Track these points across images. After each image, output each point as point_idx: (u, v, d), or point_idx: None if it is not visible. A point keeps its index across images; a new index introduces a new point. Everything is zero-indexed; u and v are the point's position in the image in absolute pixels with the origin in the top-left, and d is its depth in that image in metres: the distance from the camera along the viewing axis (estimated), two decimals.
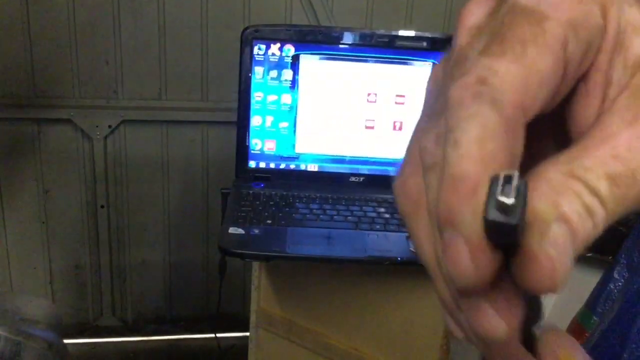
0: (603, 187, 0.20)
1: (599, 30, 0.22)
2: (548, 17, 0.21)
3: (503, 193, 0.18)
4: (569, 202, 0.20)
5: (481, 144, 0.19)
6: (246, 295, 1.49)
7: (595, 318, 1.30)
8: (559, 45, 0.21)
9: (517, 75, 0.20)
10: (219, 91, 1.96)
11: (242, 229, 1.30)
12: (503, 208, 0.18)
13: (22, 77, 1.86)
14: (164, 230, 2.09)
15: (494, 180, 0.19)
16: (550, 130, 0.25)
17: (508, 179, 0.19)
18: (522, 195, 0.18)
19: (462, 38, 0.23)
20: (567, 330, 1.34)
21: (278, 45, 1.45)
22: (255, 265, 1.42)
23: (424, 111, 0.25)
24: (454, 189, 0.19)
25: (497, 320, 0.20)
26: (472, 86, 0.20)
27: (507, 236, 0.19)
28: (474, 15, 0.24)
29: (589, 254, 1.47)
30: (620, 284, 1.28)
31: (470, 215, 0.19)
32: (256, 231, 1.30)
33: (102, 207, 2.01)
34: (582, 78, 0.23)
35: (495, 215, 0.18)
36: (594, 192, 0.20)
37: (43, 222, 2.02)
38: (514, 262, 0.20)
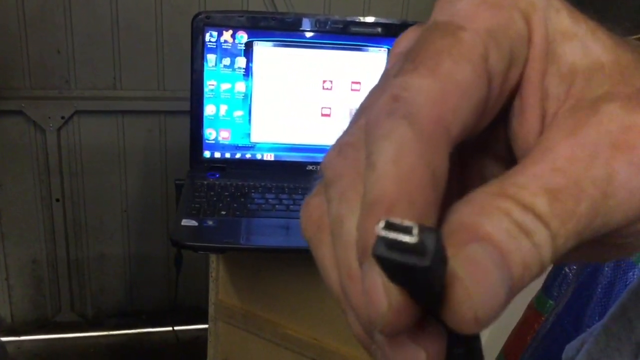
0: (540, 203, 0.17)
1: (522, 38, 0.20)
2: (463, 27, 0.19)
3: (400, 230, 0.16)
4: (492, 221, 0.17)
5: (397, 162, 0.17)
6: (206, 288, 1.46)
7: (551, 302, 1.31)
8: (477, 54, 0.19)
9: (432, 88, 0.18)
10: (175, 80, 1.92)
11: (196, 220, 1.27)
12: (401, 246, 0.16)
13: None
14: (123, 222, 2.05)
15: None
16: (502, 160, 0.23)
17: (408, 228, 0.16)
18: (430, 234, 0.16)
19: (389, 65, 0.22)
20: (523, 315, 1.35)
21: (230, 32, 1.42)
22: (213, 257, 1.40)
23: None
24: (370, 214, 0.17)
25: (417, 354, 0.18)
26: (385, 106, 0.18)
27: (410, 279, 0.16)
28: (403, 43, 0.22)
29: None
30: (574, 267, 1.28)
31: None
32: (210, 222, 1.28)
33: (57, 200, 1.97)
34: (516, 93, 0.21)
35: (386, 252, 0.16)
36: (528, 209, 0.17)
37: None
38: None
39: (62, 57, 1.86)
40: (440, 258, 0.16)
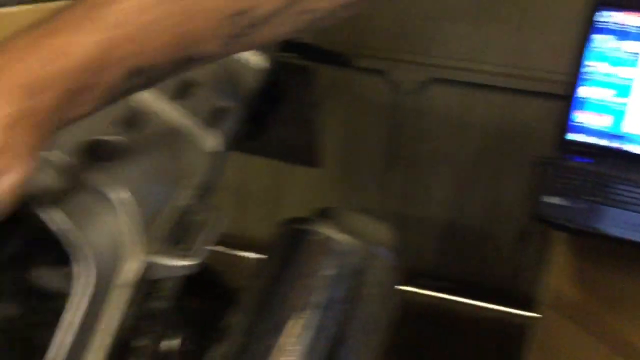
0: None
1: None
2: None
3: None
4: None
5: None
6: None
7: None
8: None
9: None
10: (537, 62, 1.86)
11: (559, 199, 1.25)
12: None
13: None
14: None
15: None
16: None
17: None
18: None
19: None
20: None
21: (625, 13, 1.34)
22: (559, 240, 1.37)
23: None
24: None
25: None
26: None
27: None
28: None
29: None
30: None
31: None
32: (571, 204, 1.25)
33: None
34: None
35: None
36: None
37: None
38: None
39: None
40: None
